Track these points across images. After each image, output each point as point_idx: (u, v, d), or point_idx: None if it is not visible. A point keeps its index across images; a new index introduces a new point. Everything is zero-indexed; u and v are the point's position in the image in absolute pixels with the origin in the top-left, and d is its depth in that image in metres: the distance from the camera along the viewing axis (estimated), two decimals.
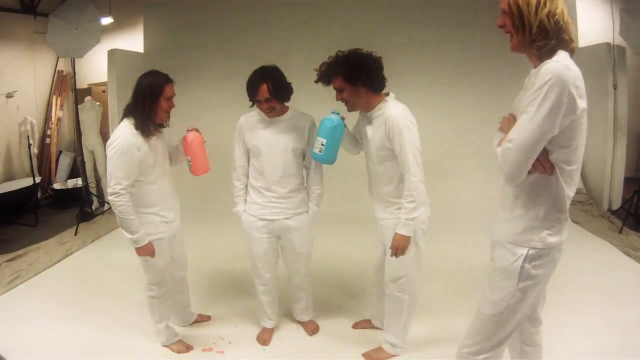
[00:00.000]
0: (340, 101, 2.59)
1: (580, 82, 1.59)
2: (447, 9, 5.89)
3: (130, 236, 2.59)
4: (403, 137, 2.42)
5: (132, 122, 2.61)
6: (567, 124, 1.61)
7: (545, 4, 1.61)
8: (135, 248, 2.64)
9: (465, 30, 5.87)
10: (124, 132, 2.57)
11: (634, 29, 4.95)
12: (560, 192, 1.72)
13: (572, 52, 1.68)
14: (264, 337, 3.10)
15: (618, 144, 5.78)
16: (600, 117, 5.79)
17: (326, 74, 2.54)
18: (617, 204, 5.76)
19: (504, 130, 1.80)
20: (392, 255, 2.56)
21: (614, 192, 5.84)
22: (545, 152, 1.67)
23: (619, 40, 5.48)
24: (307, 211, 2.94)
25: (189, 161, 2.85)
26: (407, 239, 2.51)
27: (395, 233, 2.52)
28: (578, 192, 5.92)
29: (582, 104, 1.59)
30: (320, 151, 2.57)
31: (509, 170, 1.71)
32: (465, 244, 4.54)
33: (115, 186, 2.52)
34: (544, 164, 1.68)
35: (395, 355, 2.86)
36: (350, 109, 2.61)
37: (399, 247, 2.52)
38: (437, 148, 5.59)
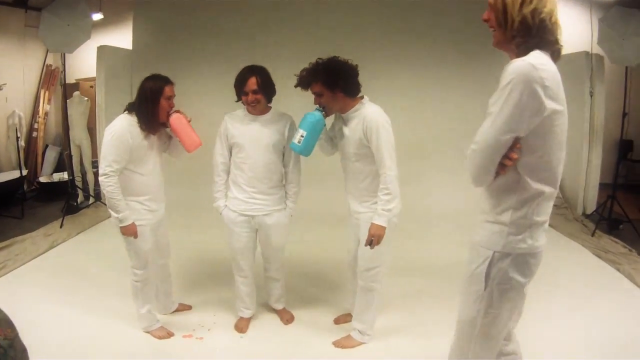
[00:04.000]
0: (317, 105, 2.73)
1: (551, 82, 1.53)
2: (425, 10, 6.04)
3: (116, 215, 2.77)
4: (380, 135, 2.59)
5: (132, 117, 2.80)
6: (535, 125, 1.55)
7: (531, 1, 1.58)
8: (120, 227, 2.81)
9: (443, 30, 6.01)
10: (121, 121, 2.79)
11: (611, 38, 5.08)
12: (530, 197, 1.65)
13: (556, 53, 1.64)
14: (241, 326, 3.22)
15: (594, 151, 5.96)
16: (577, 123, 5.96)
17: (306, 79, 2.70)
18: (591, 209, 5.93)
19: None
20: (366, 244, 2.69)
21: (588, 197, 6.02)
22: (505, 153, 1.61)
23: (598, 50, 5.61)
24: (284, 208, 3.08)
25: (179, 141, 2.97)
26: (383, 229, 2.64)
27: (372, 223, 2.65)
28: None
29: (551, 104, 1.53)
30: (299, 142, 2.69)
31: (474, 173, 1.69)
32: (439, 241, 4.75)
33: (105, 168, 2.71)
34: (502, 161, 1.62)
35: (363, 343, 2.99)
36: (328, 113, 2.75)
37: (375, 236, 2.65)
38: (414, 147, 5.75)
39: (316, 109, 2.73)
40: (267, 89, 2.88)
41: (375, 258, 2.79)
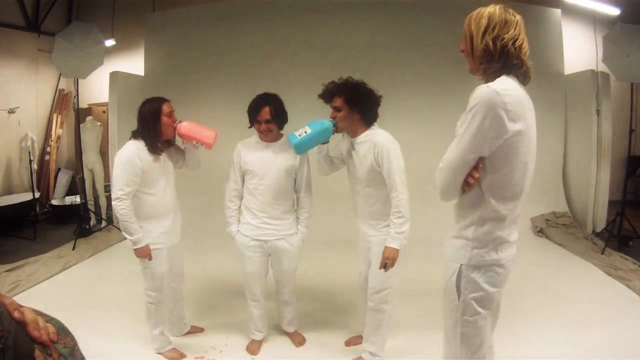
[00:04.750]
0: (332, 119, 2.78)
1: (514, 106, 1.61)
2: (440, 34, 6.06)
3: (130, 238, 2.83)
4: (391, 160, 2.65)
5: (139, 142, 2.88)
6: (498, 145, 1.64)
7: (494, 29, 1.68)
8: (134, 249, 2.86)
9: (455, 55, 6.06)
10: (130, 146, 2.87)
11: (616, 56, 5.11)
12: (492, 214, 1.75)
13: (523, 76, 1.74)
14: (253, 348, 3.24)
15: (602, 168, 5.97)
16: (585, 142, 5.99)
17: (330, 91, 2.77)
18: (600, 226, 5.92)
19: None
20: (381, 267, 2.71)
21: (597, 215, 6.01)
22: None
23: (603, 67, 5.64)
24: (296, 232, 3.12)
25: (196, 142, 3.00)
26: (397, 252, 2.68)
27: (386, 247, 2.69)
28: (562, 215, 6.10)
29: (513, 126, 1.62)
30: (299, 135, 2.74)
31: (441, 188, 1.80)
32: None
33: (118, 192, 2.79)
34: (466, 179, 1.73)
35: None
36: (339, 129, 2.80)
37: (390, 259, 2.68)
38: (423, 170, 5.73)
39: (331, 119, 2.79)
40: (279, 117, 2.95)
41: (386, 280, 2.82)
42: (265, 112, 2.89)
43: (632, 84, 5.36)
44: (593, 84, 5.91)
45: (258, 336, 3.28)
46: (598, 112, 5.90)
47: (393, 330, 3.12)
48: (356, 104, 2.71)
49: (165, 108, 2.92)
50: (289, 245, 3.08)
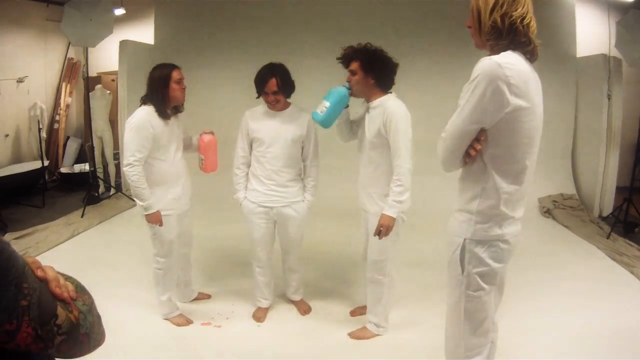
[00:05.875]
0: (347, 82, 2.81)
1: (517, 80, 1.61)
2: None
3: (142, 203, 2.85)
4: (398, 127, 2.66)
5: (149, 107, 2.89)
6: (499, 119, 1.65)
7: (502, 6, 1.67)
8: (145, 215, 2.89)
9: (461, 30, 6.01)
10: (140, 112, 2.88)
11: (629, 41, 5.06)
12: (495, 189, 1.75)
13: (530, 54, 1.73)
14: (259, 315, 3.29)
15: (611, 153, 5.93)
16: (595, 126, 5.96)
17: (348, 55, 2.81)
18: (607, 211, 5.91)
19: None
20: (375, 234, 2.75)
21: (605, 200, 5.99)
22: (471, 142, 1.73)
23: (616, 53, 5.59)
24: (303, 200, 3.15)
25: (202, 159, 3.12)
26: (392, 220, 2.70)
27: (382, 214, 2.71)
28: (570, 197, 6.10)
29: (516, 101, 1.62)
30: (321, 112, 2.76)
31: (442, 158, 1.82)
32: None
33: (129, 158, 2.80)
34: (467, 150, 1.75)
35: (378, 335, 3.05)
36: (354, 93, 2.82)
37: (384, 226, 2.71)
38: (429, 142, 5.74)
39: (344, 85, 2.81)
40: (286, 88, 2.97)
41: (382, 251, 2.86)
42: (272, 84, 2.91)
43: None
44: (605, 69, 5.83)
45: (264, 303, 3.33)
46: (609, 96, 5.85)
47: (398, 302, 3.16)
48: (371, 69, 2.73)
49: (175, 74, 2.93)
50: (294, 213, 3.12)
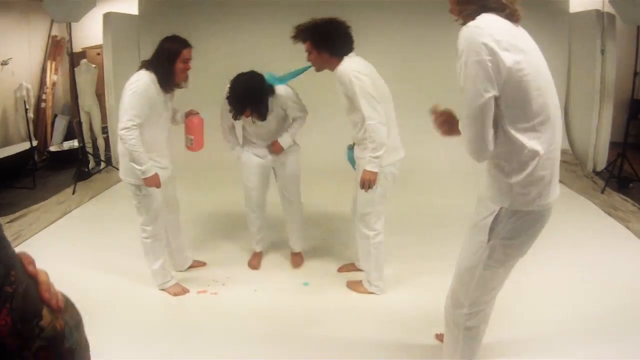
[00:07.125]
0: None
1: (502, 35, 1.58)
2: None
3: (140, 167, 2.80)
4: (353, 86, 2.68)
5: (151, 74, 2.82)
6: (504, 80, 1.59)
7: None
8: (143, 179, 2.84)
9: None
10: (144, 77, 2.80)
11: None
12: (526, 153, 1.68)
13: (509, 15, 1.66)
14: (254, 263, 3.46)
15: (604, 108, 5.91)
16: (588, 81, 5.90)
17: (299, 37, 2.86)
18: (601, 166, 5.92)
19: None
20: (361, 187, 2.79)
21: (599, 155, 6.00)
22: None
23: (610, 8, 5.52)
24: (295, 144, 3.31)
25: (191, 139, 3.14)
26: (373, 174, 2.73)
27: (363, 169, 2.75)
28: (564, 152, 6.07)
29: (509, 56, 1.57)
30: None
31: (470, 148, 1.71)
32: (450, 194, 4.72)
33: (127, 122, 2.73)
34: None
35: (371, 293, 3.08)
36: (317, 69, 2.91)
37: (366, 180, 2.75)
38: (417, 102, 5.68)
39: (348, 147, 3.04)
40: (260, 111, 3.04)
41: (367, 204, 2.89)
42: (247, 113, 3.03)
43: (638, 27, 5.20)
44: (598, 24, 5.76)
45: (258, 248, 3.48)
46: (602, 52, 5.79)
47: (395, 260, 3.18)
48: (322, 44, 2.79)
49: (185, 53, 2.87)
50: (289, 148, 3.26)
